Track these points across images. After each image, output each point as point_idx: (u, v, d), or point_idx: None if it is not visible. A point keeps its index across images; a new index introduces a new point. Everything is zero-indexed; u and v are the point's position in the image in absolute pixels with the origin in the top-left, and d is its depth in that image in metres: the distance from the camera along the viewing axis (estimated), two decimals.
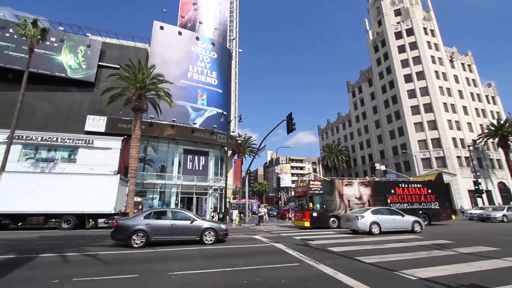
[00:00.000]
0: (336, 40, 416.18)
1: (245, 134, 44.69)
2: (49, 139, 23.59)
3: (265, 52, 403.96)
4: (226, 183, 24.52)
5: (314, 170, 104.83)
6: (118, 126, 25.74)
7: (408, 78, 44.28)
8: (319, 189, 17.73)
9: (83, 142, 24.14)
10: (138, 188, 23.61)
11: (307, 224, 16.99)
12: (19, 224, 16.01)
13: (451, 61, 46.80)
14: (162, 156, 28.80)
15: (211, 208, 27.20)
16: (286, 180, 70.77)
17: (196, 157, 29.67)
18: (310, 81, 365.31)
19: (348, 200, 17.86)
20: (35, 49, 21.64)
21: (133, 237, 9.02)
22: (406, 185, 19.24)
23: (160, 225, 9.54)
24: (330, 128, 69.26)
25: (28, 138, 23.07)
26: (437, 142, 40.21)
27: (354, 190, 18.29)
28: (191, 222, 9.90)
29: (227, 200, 28.37)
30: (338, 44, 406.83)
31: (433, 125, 40.88)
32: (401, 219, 13.77)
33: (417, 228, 13.79)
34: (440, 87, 42.81)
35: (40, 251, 8.30)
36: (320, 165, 72.94)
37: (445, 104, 42.02)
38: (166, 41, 31.42)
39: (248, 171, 25.24)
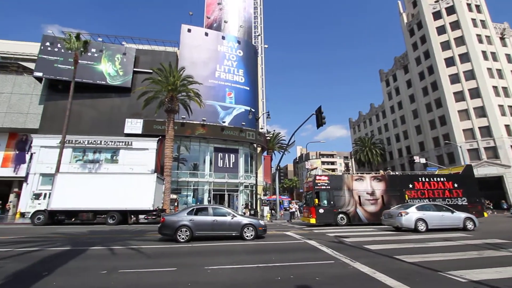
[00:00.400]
0: (365, 29, 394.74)
1: (274, 131, 44.58)
2: (94, 142, 25.82)
3: (291, 46, 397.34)
4: (256, 180, 24.75)
5: (346, 165, 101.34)
6: (153, 127, 27.25)
7: (449, 62, 40.46)
8: (326, 184, 16.98)
9: (123, 144, 26.02)
10: (173, 186, 24.82)
11: (312, 220, 16.43)
12: (73, 219, 17.84)
13: (501, 38, 41.71)
14: (194, 154, 29.90)
15: (243, 205, 27.68)
16: None
17: (226, 155, 30.33)
18: (340, 74, 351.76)
19: (359, 196, 16.74)
20: (79, 61, 23.77)
21: (179, 232, 9.52)
22: (427, 179, 17.38)
23: (203, 221, 9.95)
24: (362, 120, 66.15)
25: (77, 142, 25.47)
26: (486, 131, 36.32)
27: (365, 185, 17.05)
28: (231, 218, 10.21)
29: (258, 196, 28.63)
30: (367, 32, 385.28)
31: (481, 111, 36.96)
32: (450, 216, 12.77)
33: (469, 225, 12.67)
34: (489, 69, 38.46)
35: (91, 244, 9.15)
36: (352, 159, 70.20)
37: (495, 87, 37.69)
38: (194, 43, 32.38)
39: (278, 167, 25.17)
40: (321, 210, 16.40)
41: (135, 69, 29.32)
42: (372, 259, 6.75)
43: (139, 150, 26.34)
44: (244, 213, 24.52)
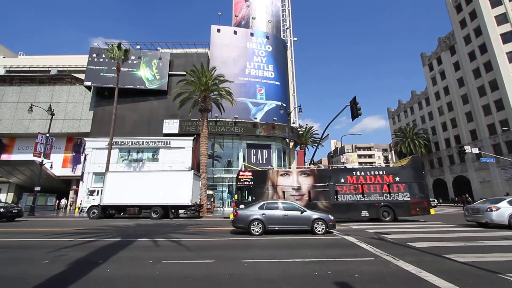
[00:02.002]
0: (403, 8, 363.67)
1: (306, 125, 43.62)
2: (137, 143, 27.88)
3: (321, 38, 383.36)
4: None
5: (386, 158, 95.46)
6: (188, 127, 28.53)
7: (507, 38, 35.59)
8: (249, 180, 16.53)
9: (163, 143, 27.70)
10: (209, 182, 25.76)
11: (232, 216, 16.09)
12: (121, 213, 19.53)
13: None
14: (228, 151, 30.66)
15: None
16: None
17: (259, 151, 30.57)
18: (375, 64, 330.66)
19: (283, 192, 16.04)
20: (121, 68, 25.77)
21: (252, 225, 10.00)
22: (362, 173, 15.88)
23: (274, 215, 10.25)
24: (402, 109, 61.53)
25: (122, 143, 27.74)
26: None
27: (291, 180, 16.24)
28: (301, 213, 10.34)
29: None
30: (404, 13, 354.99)
31: None
32: None
33: None
34: None
35: (138, 236, 9.94)
36: (393, 151, 65.93)
37: None
38: (224, 42, 32.99)
39: (312, 162, 24.65)
40: (242, 206, 16.02)
41: (170, 72, 30.88)
42: (417, 257, 6.30)
43: (177, 149, 27.83)
44: None
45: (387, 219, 14.90)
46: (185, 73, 27.08)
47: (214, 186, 28.60)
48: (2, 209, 16.48)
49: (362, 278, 4.80)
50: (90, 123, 29.73)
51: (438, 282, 4.44)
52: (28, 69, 39.59)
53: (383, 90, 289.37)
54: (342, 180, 15.82)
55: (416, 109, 56.07)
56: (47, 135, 24.84)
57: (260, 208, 10.40)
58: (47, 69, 39.32)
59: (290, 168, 29.08)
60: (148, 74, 30.66)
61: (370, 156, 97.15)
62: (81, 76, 32.14)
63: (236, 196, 16.77)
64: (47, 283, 4.59)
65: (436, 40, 49.27)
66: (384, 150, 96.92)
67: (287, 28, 39.79)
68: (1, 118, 30.45)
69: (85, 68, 31.16)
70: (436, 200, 32.26)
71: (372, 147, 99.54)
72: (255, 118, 30.80)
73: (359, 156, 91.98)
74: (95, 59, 30.57)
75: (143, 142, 28.08)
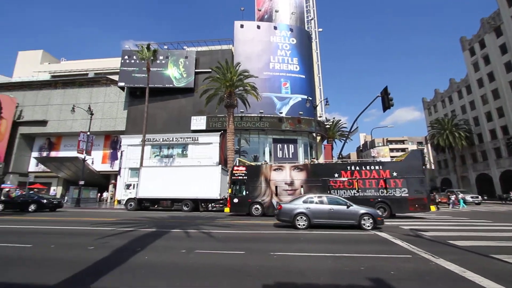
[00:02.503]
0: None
1: (334, 118, 42.35)
2: (167, 139, 29.14)
3: (349, 28, 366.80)
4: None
5: (421, 151, 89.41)
6: (215, 123, 29.17)
7: None
8: (243, 174, 16.65)
9: (191, 139, 28.67)
10: None
11: (226, 210, 16.74)
12: (155, 206, 20.66)
13: None
14: (254, 147, 30.87)
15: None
16: None
17: (285, 146, 30.37)
18: (406, 50, 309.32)
19: (276, 186, 15.90)
20: (150, 68, 26.98)
21: (297, 219, 10.01)
22: (357, 168, 15.21)
23: (320, 209, 10.18)
24: (439, 99, 57.06)
25: (154, 140, 29.16)
26: None
27: (284, 175, 16.00)
28: (347, 207, 10.13)
29: None
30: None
31: None
32: None
33: None
34: None
35: (171, 227, 10.45)
36: (429, 144, 61.65)
37: None
38: (247, 37, 33.00)
39: (340, 156, 23.95)
40: (235, 200, 16.38)
41: (196, 70, 31.67)
42: (460, 256, 5.88)
43: (204, 144, 28.64)
44: None
45: (383, 216, 14.37)
46: (210, 70, 27.61)
47: None
48: (45, 201, 18.61)
49: (399, 275, 4.60)
50: (124, 121, 31.63)
51: (486, 283, 4.11)
52: (69, 73, 43.06)
53: (417, 80, 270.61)
54: (336, 175, 15.42)
55: (455, 98, 51.69)
56: (88, 133, 26.94)
57: (305, 202, 10.35)
58: (85, 72, 42.45)
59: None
60: (175, 73, 31.73)
61: (403, 150, 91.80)
62: (115, 77, 34.19)
63: (229, 190, 16.95)
64: (95, 266, 5.02)
65: (478, 22, 44.70)
66: (419, 143, 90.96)
67: (311, 19, 38.68)
68: (49, 119, 33.55)
69: (118, 70, 33.11)
70: (479, 197, 29.64)
71: (405, 140, 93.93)
72: (281, 113, 30.57)
73: (391, 150, 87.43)
74: (127, 61, 32.29)
75: (173, 138, 29.28)
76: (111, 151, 34.08)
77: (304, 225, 9.92)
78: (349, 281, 4.33)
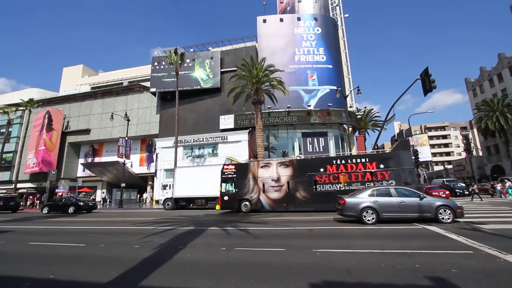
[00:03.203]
0: None
1: (365, 108, 40.26)
2: (198, 140, 29.95)
3: (377, 13, 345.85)
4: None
5: (465, 137, 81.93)
6: (243, 120, 29.32)
7: None
8: (232, 173, 17.31)
9: (220, 138, 29.16)
10: None
11: (218, 207, 17.48)
12: (191, 204, 21.35)
13: None
14: (283, 142, 30.49)
15: None
16: (425, 153, 59.23)
17: (315, 139, 29.56)
18: (442, 23, 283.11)
19: (263, 183, 16.25)
20: (178, 72, 27.87)
21: (364, 213, 9.47)
22: (343, 161, 15.10)
23: (388, 202, 9.53)
24: (486, 78, 51.32)
25: (185, 141, 30.16)
26: None
27: (271, 171, 16.32)
28: (420, 199, 9.37)
29: None
30: None
31: None
32: None
33: None
34: None
35: (208, 224, 10.65)
36: (475, 129, 56.05)
37: None
38: (270, 32, 32.55)
39: (376, 146, 22.63)
40: (226, 198, 16.99)
41: (222, 70, 32.05)
42: None
43: (234, 143, 28.95)
44: None
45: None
46: (236, 68, 27.71)
47: None
48: (82, 203, 20.45)
49: (461, 274, 4.10)
50: (157, 125, 33.15)
51: None
52: (106, 83, 46.27)
53: (456, 58, 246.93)
54: (322, 170, 15.40)
55: (507, 75, 46.06)
56: (126, 138, 28.70)
57: (371, 195, 9.72)
58: (120, 81, 45.28)
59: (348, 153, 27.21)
60: (202, 74, 32.42)
61: (444, 137, 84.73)
62: (147, 84, 35.92)
63: (220, 188, 17.39)
64: (142, 264, 5.21)
65: None
66: (463, 128, 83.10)
67: (337, 5, 36.95)
68: (92, 128, 36.38)
69: (149, 77, 34.73)
70: None
71: (446, 126, 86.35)
72: (309, 106, 29.77)
73: (430, 137, 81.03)
74: (157, 67, 33.71)
75: (203, 138, 30.03)
76: (147, 154, 35.99)
77: (372, 219, 9.32)
78: (404, 280, 3.94)
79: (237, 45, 34.67)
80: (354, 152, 30.65)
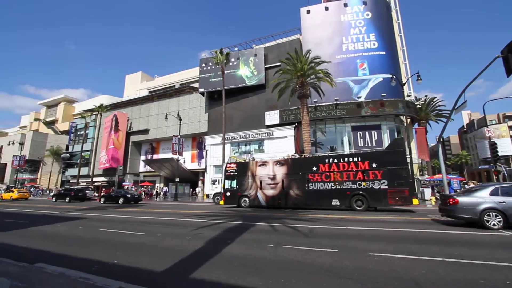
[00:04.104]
0: None
1: (426, 96, 35.84)
2: (244, 136, 30.49)
3: None
4: (411, 158, 20.67)
5: None
6: (288, 116, 28.80)
7: None
8: (234, 171, 18.46)
9: (266, 134, 29.18)
10: None
11: (221, 202, 19.36)
12: None
13: None
14: (331, 137, 29.08)
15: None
16: (504, 146, 50.54)
17: (366, 133, 27.45)
18: None
19: (261, 181, 17.15)
20: (224, 71, 28.69)
21: (486, 216, 7.91)
22: (335, 160, 15.22)
23: None
24: None
25: (232, 138, 31.00)
26: None
27: (268, 170, 17.16)
28: None
29: (415, 177, 24.03)
30: None
31: None
32: None
33: None
34: None
35: (255, 220, 10.66)
36: None
37: None
38: (315, 23, 31.20)
39: (441, 139, 19.80)
40: (228, 193, 18.38)
41: (266, 66, 31.95)
42: None
43: (280, 138, 28.68)
44: None
45: (360, 208, 14.03)
46: (280, 63, 27.32)
47: None
48: (129, 195, 23.49)
49: None
50: (206, 123, 34.82)
51: None
52: (161, 87, 50.40)
53: None
54: (314, 169, 15.64)
55: None
56: (179, 136, 30.82)
57: (493, 194, 8.00)
58: (173, 84, 48.85)
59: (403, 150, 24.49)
60: (246, 72, 32.83)
61: None
62: (196, 85, 37.96)
63: (223, 185, 18.65)
64: (193, 256, 5.38)
65: None
66: None
67: None
68: (150, 128, 40.10)
69: (198, 78, 36.60)
70: None
71: None
72: (359, 97, 27.71)
73: (511, 127, 68.50)
74: (204, 68, 35.30)
75: (249, 135, 30.48)
76: (198, 151, 38.16)
77: (496, 225, 7.73)
78: None
79: (281, 40, 34.12)
80: (414, 145, 27.59)
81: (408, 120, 28.51)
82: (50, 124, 68.48)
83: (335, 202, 14.75)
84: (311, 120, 25.67)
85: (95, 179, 40.64)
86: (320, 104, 27.29)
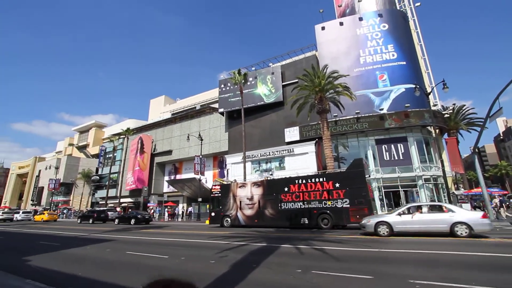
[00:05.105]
0: None
1: (454, 105, 34.04)
2: (264, 154, 30.37)
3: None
4: (443, 170, 19.26)
5: None
6: (308, 132, 28.44)
7: None
8: (218, 192, 19.76)
9: (286, 151, 28.87)
10: None
11: (207, 222, 20.94)
12: None
13: None
14: (353, 151, 28.13)
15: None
16: None
17: (392, 146, 26.26)
18: None
19: (240, 201, 18.15)
20: (243, 91, 29.34)
21: None
22: (304, 181, 16.08)
23: None
24: None
25: (253, 156, 31.00)
26: None
27: (246, 191, 18.25)
28: None
29: (450, 191, 22.28)
30: None
31: None
32: None
33: None
34: None
35: (280, 241, 10.26)
36: None
37: None
38: (330, 38, 31.41)
39: (477, 150, 18.44)
40: (212, 214, 19.77)
41: (283, 84, 32.29)
42: None
43: (300, 155, 28.22)
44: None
45: (326, 226, 14.57)
46: (297, 80, 27.50)
47: None
48: (140, 216, 24.87)
49: None
50: (227, 142, 35.27)
51: None
52: (183, 109, 52.42)
53: None
54: (286, 189, 16.51)
55: None
56: (200, 156, 31.39)
57: None
58: (194, 106, 50.65)
59: (434, 165, 22.97)
60: (264, 90, 33.34)
61: None
62: (216, 105, 39.04)
63: (208, 206, 20.35)
64: (219, 281, 5.19)
65: None
66: None
67: None
68: (173, 148, 41.36)
69: (217, 98, 37.72)
70: None
71: None
72: (381, 110, 26.86)
73: None
74: (223, 89, 36.38)
75: (269, 152, 30.34)
76: (219, 170, 38.45)
77: None
78: None
79: (297, 57, 34.59)
80: (445, 157, 25.87)
81: (437, 131, 26.99)
82: (82, 148, 73.04)
83: (304, 220, 15.49)
84: (332, 135, 25.13)
85: (122, 200, 42.04)
86: (340, 118, 26.76)
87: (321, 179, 15.68)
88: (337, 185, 14.99)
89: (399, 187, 25.33)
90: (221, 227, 18.54)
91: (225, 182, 21.38)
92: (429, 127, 26.50)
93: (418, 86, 20.21)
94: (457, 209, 10.32)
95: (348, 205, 14.43)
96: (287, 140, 29.60)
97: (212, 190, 20.63)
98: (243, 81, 28.69)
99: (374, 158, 26.72)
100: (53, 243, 11.93)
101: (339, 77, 22.18)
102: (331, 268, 5.96)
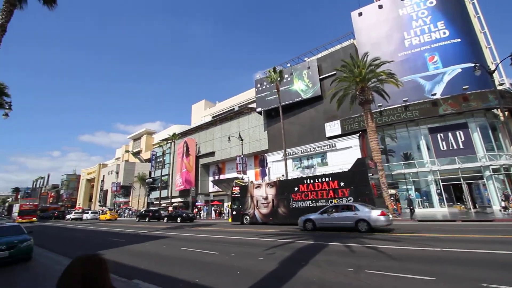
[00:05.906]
0: None
1: None
2: (305, 151, 29.86)
3: None
4: None
5: None
6: (350, 125, 27.11)
7: None
8: (238, 193, 21.67)
9: (328, 146, 27.97)
10: (388, 180, 22.71)
11: (229, 220, 23.48)
12: None
13: None
14: (403, 142, 26.02)
15: (502, 196, 19.75)
16: None
17: (449, 134, 23.60)
18: None
19: (257, 201, 19.66)
20: (279, 88, 29.23)
21: None
22: (311, 181, 17.09)
23: None
24: None
25: (293, 153, 30.73)
26: None
27: (262, 191, 19.61)
28: None
29: None
30: None
31: None
32: None
33: None
34: None
35: (328, 239, 10.03)
36: None
37: None
38: (369, 23, 29.48)
39: None
40: (234, 212, 21.73)
41: (320, 77, 31.29)
42: None
43: (343, 149, 27.08)
44: (506, 208, 17.44)
45: None
46: (335, 72, 26.45)
47: (395, 184, 24.86)
48: (185, 215, 27.46)
49: None
50: (266, 141, 35.53)
51: None
52: (222, 111, 54.32)
53: None
54: (296, 189, 17.59)
55: None
56: (242, 156, 32.19)
57: None
58: (232, 107, 52.10)
59: (504, 153, 19.80)
60: (301, 86, 32.73)
61: None
62: (253, 105, 39.59)
63: (229, 205, 22.29)
64: (268, 278, 5.32)
65: None
66: None
67: None
68: (215, 150, 43.18)
69: (254, 98, 38.20)
70: None
71: None
72: (433, 95, 24.29)
73: None
74: (260, 88, 36.71)
75: (310, 149, 29.72)
76: (261, 168, 38.96)
77: None
78: None
79: (333, 48, 33.18)
80: None
81: (506, 113, 23.44)
82: (136, 154, 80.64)
83: None
84: (378, 126, 23.57)
85: (173, 200, 45.37)
86: (386, 108, 24.96)
87: (327, 179, 16.63)
88: (342, 184, 15.81)
89: (461, 179, 22.69)
90: (241, 224, 20.14)
91: (243, 184, 23.15)
92: (495, 110, 23.22)
93: (478, 65, 17.78)
94: (362, 208, 12.02)
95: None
96: (328, 135, 28.64)
97: (233, 191, 22.36)
98: (279, 78, 28.59)
99: (428, 148, 24.38)
100: (120, 239, 13.46)
101: (381, 64, 20.73)
102: (386, 267, 5.62)
